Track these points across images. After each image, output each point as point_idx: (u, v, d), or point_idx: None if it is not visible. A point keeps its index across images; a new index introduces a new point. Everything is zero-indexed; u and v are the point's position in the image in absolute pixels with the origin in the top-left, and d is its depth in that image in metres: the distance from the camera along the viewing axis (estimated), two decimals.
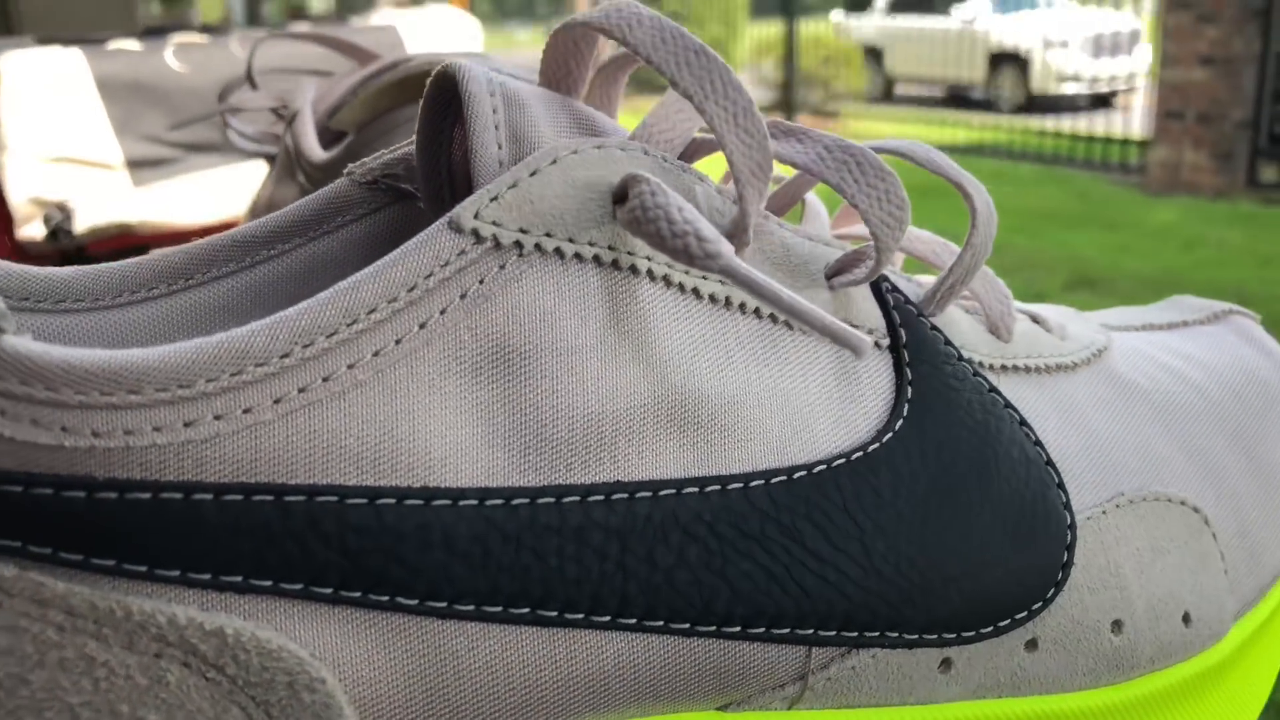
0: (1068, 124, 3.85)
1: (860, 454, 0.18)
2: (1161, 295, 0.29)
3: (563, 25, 0.18)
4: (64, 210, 0.55)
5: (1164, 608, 0.21)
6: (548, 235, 0.16)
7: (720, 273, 0.15)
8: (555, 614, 0.16)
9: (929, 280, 0.21)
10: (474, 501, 0.16)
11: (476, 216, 0.16)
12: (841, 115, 4.83)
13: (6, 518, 0.14)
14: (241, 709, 0.15)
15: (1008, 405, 0.20)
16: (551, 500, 0.16)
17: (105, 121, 0.57)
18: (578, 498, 0.16)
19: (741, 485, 0.17)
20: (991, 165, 3.57)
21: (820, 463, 0.18)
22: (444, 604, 0.16)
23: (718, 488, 0.17)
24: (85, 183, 0.57)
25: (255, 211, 0.38)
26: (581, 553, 0.16)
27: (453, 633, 0.16)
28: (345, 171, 0.20)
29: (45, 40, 0.62)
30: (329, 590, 0.15)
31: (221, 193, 0.57)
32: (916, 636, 0.18)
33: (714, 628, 0.17)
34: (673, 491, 0.17)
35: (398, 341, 0.15)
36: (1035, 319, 0.23)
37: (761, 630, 0.17)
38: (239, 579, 0.15)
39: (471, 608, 0.16)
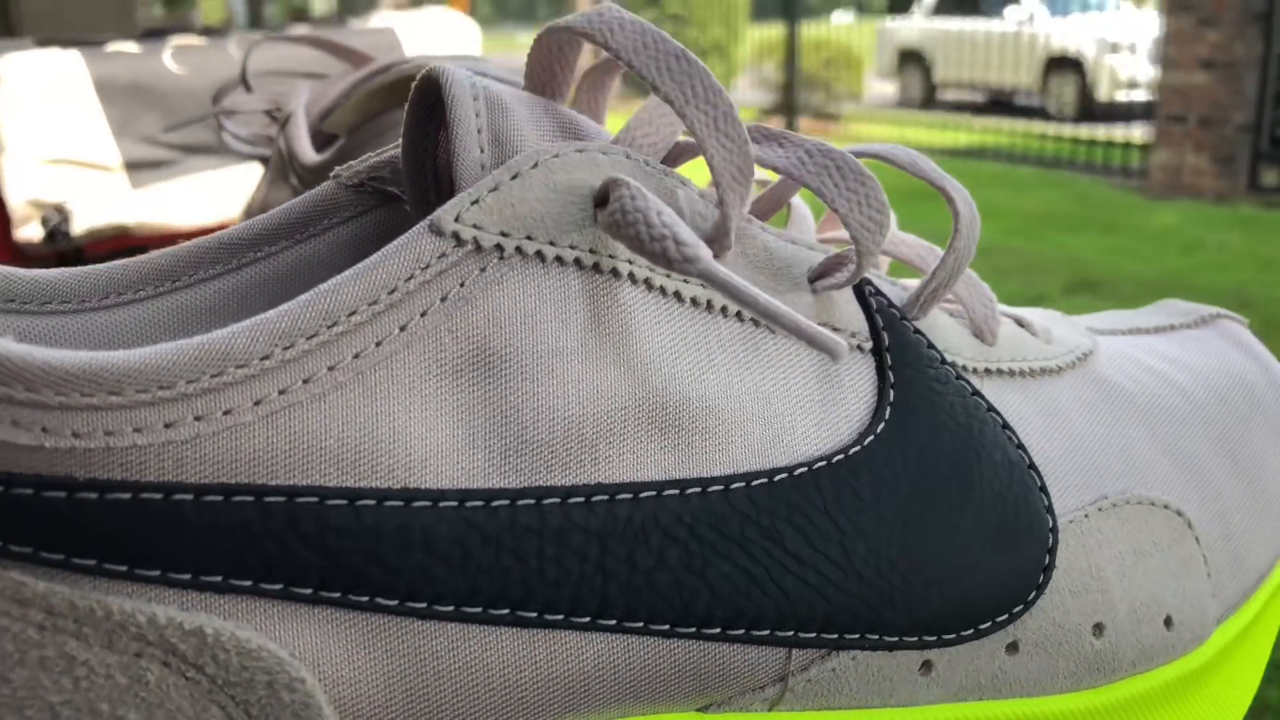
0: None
1: (841, 456, 0.18)
2: (1162, 298, 0.29)
3: (546, 29, 0.18)
4: (62, 212, 0.56)
5: (1146, 611, 0.21)
6: (529, 238, 0.16)
7: (698, 276, 0.15)
8: (535, 615, 0.16)
9: (913, 284, 0.21)
10: (454, 503, 0.16)
11: (457, 219, 0.16)
12: (843, 117, 4.83)
13: None
14: (221, 708, 0.15)
15: (990, 409, 0.20)
16: (532, 502, 0.16)
17: (103, 123, 0.57)
18: (558, 500, 0.17)
19: (722, 487, 0.17)
20: (992, 168, 3.57)
21: (801, 465, 0.18)
22: (424, 605, 0.16)
23: (698, 490, 0.17)
24: (83, 184, 0.57)
25: (250, 213, 0.38)
26: (561, 554, 0.16)
27: (432, 633, 0.16)
28: (332, 174, 0.20)
29: (44, 42, 0.62)
30: (309, 590, 0.15)
31: (219, 195, 0.57)
32: (897, 639, 0.19)
33: (694, 629, 0.17)
34: (653, 494, 0.17)
35: (378, 344, 0.16)
36: (1020, 322, 0.23)
37: (741, 632, 0.17)
38: (219, 579, 0.15)
39: (451, 608, 0.16)
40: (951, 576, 0.19)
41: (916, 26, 5.87)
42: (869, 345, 0.20)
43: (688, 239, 0.15)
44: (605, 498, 0.17)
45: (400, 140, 0.20)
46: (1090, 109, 4.97)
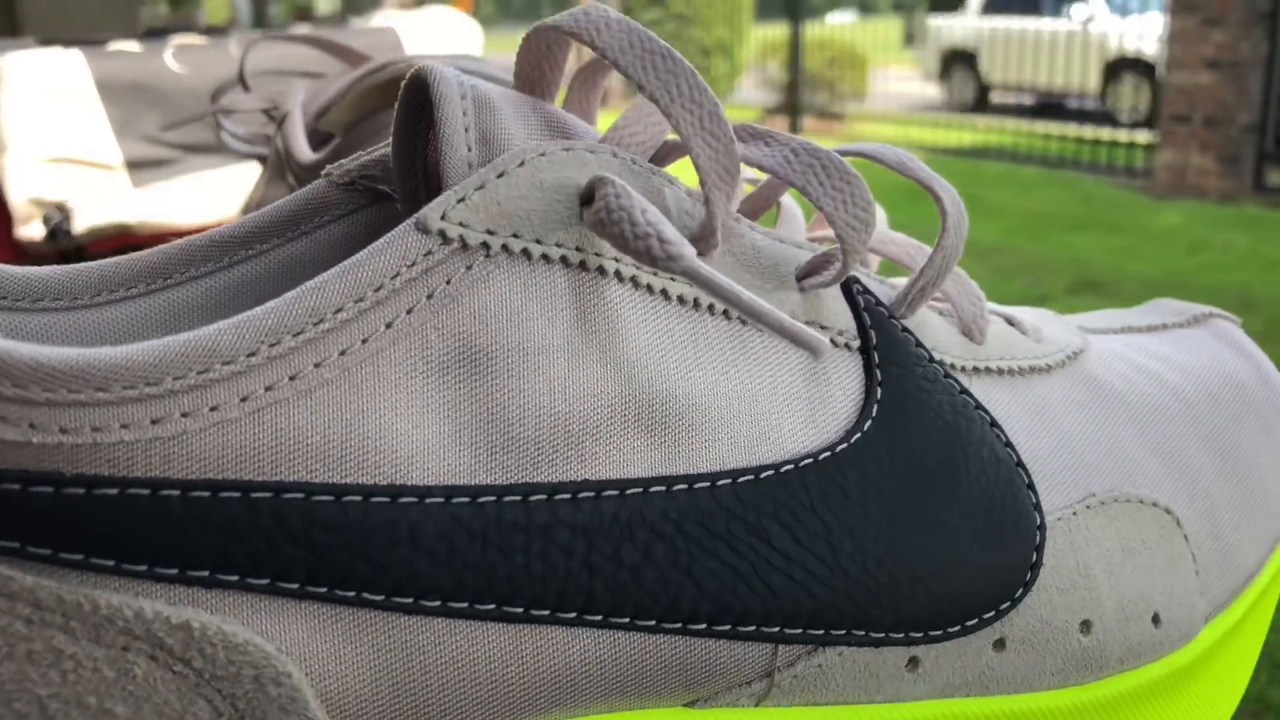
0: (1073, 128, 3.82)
1: (828, 454, 0.19)
2: (1167, 299, 0.29)
3: (534, 29, 0.18)
4: (63, 210, 0.56)
5: (1133, 609, 0.21)
6: (515, 236, 0.17)
7: (681, 274, 0.15)
8: (521, 610, 0.17)
9: (902, 283, 0.21)
10: (440, 499, 0.16)
11: (443, 217, 0.16)
12: (847, 117, 4.83)
13: None
14: (208, 701, 0.15)
15: (979, 407, 0.20)
16: (518, 498, 0.17)
17: (105, 122, 0.58)
18: (544, 496, 0.17)
19: (708, 485, 0.18)
20: (996, 168, 3.57)
21: (788, 462, 0.18)
22: (410, 600, 0.16)
23: (684, 487, 0.17)
24: (84, 183, 0.57)
25: (248, 212, 0.38)
26: (548, 550, 0.17)
27: (419, 628, 0.16)
28: (323, 173, 0.20)
29: (47, 41, 0.63)
30: (295, 585, 0.15)
31: (219, 193, 0.57)
32: (883, 635, 0.19)
33: (680, 625, 0.17)
34: (639, 490, 0.17)
35: (364, 341, 0.16)
36: (1010, 321, 0.23)
37: (727, 628, 0.18)
38: (206, 574, 0.15)
39: (438, 604, 0.16)
40: (938, 573, 0.19)
41: (967, 25, 5.47)
42: (857, 343, 0.20)
43: (671, 237, 0.15)
44: (592, 494, 0.17)
45: (390, 139, 0.20)
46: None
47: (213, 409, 0.15)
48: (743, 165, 0.19)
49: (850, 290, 0.20)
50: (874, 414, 0.19)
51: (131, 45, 0.61)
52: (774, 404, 0.18)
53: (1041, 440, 0.21)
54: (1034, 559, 0.20)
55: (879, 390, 0.19)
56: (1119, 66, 4.92)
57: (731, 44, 5.88)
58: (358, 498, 0.16)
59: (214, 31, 0.72)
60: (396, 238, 0.16)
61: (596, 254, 0.17)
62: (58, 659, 0.15)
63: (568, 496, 0.17)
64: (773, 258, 0.19)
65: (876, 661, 0.19)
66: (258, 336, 0.15)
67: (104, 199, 0.57)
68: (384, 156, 0.21)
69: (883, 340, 0.20)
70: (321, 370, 0.16)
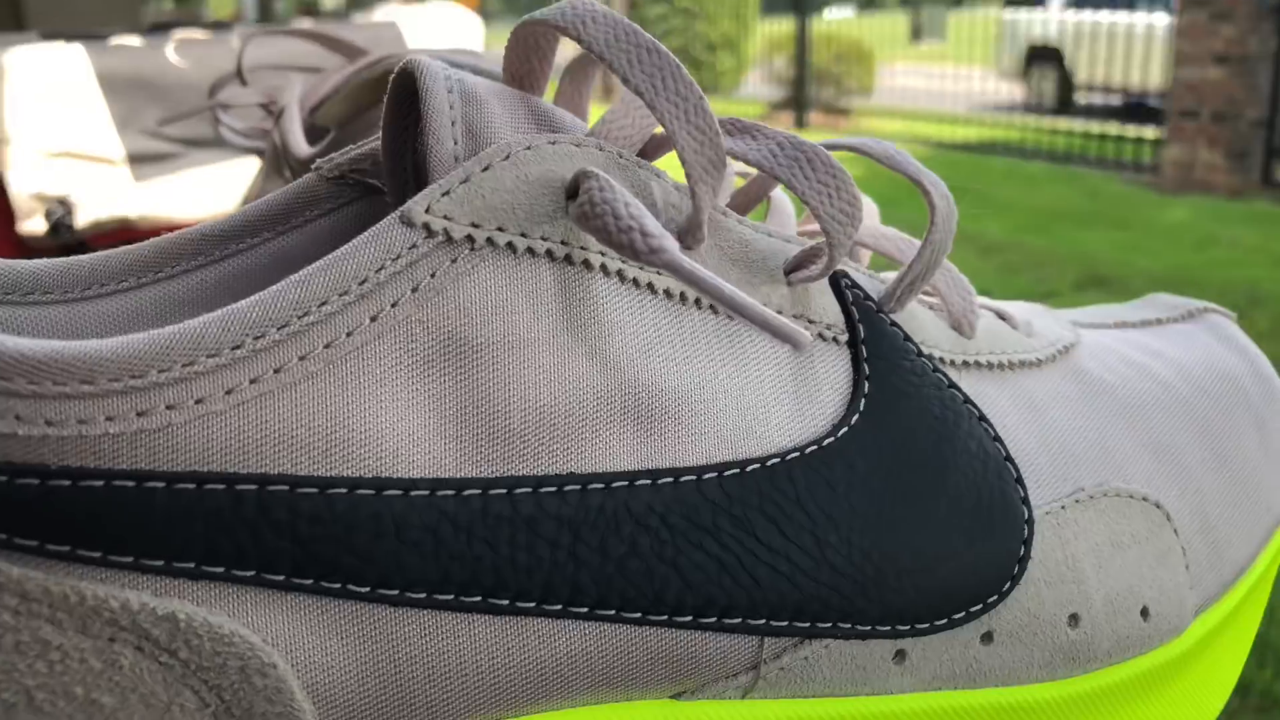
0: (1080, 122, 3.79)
1: (815, 447, 0.19)
2: (1173, 294, 0.29)
3: (522, 23, 0.18)
4: (65, 205, 0.56)
5: (1122, 602, 0.21)
6: (500, 230, 0.17)
7: (664, 267, 0.15)
8: (507, 602, 0.17)
9: (892, 277, 0.21)
10: (425, 492, 0.16)
11: (428, 211, 0.16)
12: (853, 112, 4.82)
13: None
14: (194, 692, 0.15)
15: (967, 401, 0.20)
16: (503, 491, 0.17)
17: (106, 117, 0.58)
18: (530, 489, 0.17)
19: (694, 477, 0.18)
20: (1003, 163, 3.56)
21: (774, 456, 0.18)
22: (396, 592, 0.16)
23: (670, 480, 0.17)
24: (86, 177, 0.57)
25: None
26: (533, 542, 0.17)
27: (405, 620, 0.16)
28: (313, 167, 0.21)
29: (49, 36, 0.63)
30: (281, 577, 0.16)
31: (220, 187, 0.57)
32: (870, 628, 0.19)
33: (665, 617, 0.17)
34: (625, 483, 0.17)
35: (349, 334, 0.16)
36: (1001, 315, 0.23)
37: (713, 620, 0.18)
38: (191, 565, 0.15)
39: (423, 596, 0.16)
40: (925, 567, 0.19)
41: (1052, 19, 4.98)
42: (845, 337, 0.20)
43: (654, 230, 0.15)
44: (577, 487, 0.17)
45: (380, 133, 0.20)
46: None
47: (198, 401, 0.15)
48: (731, 160, 0.19)
49: (839, 284, 0.20)
50: (861, 408, 0.19)
51: (133, 40, 0.62)
52: (761, 398, 0.18)
53: (1030, 434, 0.21)
54: (1022, 553, 0.20)
55: (867, 384, 0.19)
56: None
57: (737, 39, 5.87)
58: (343, 490, 0.16)
59: (218, 26, 0.72)
60: (381, 231, 0.16)
61: (582, 248, 0.17)
62: (45, 650, 0.15)
63: (553, 489, 0.17)
64: (761, 252, 0.19)
65: (863, 654, 0.19)
66: (242, 330, 0.15)
67: (106, 193, 0.57)
68: (374, 150, 0.21)
69: (871, 334, 0.20)
70: (306, 363, 0.16)
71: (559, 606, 0.17)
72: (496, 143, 0.17)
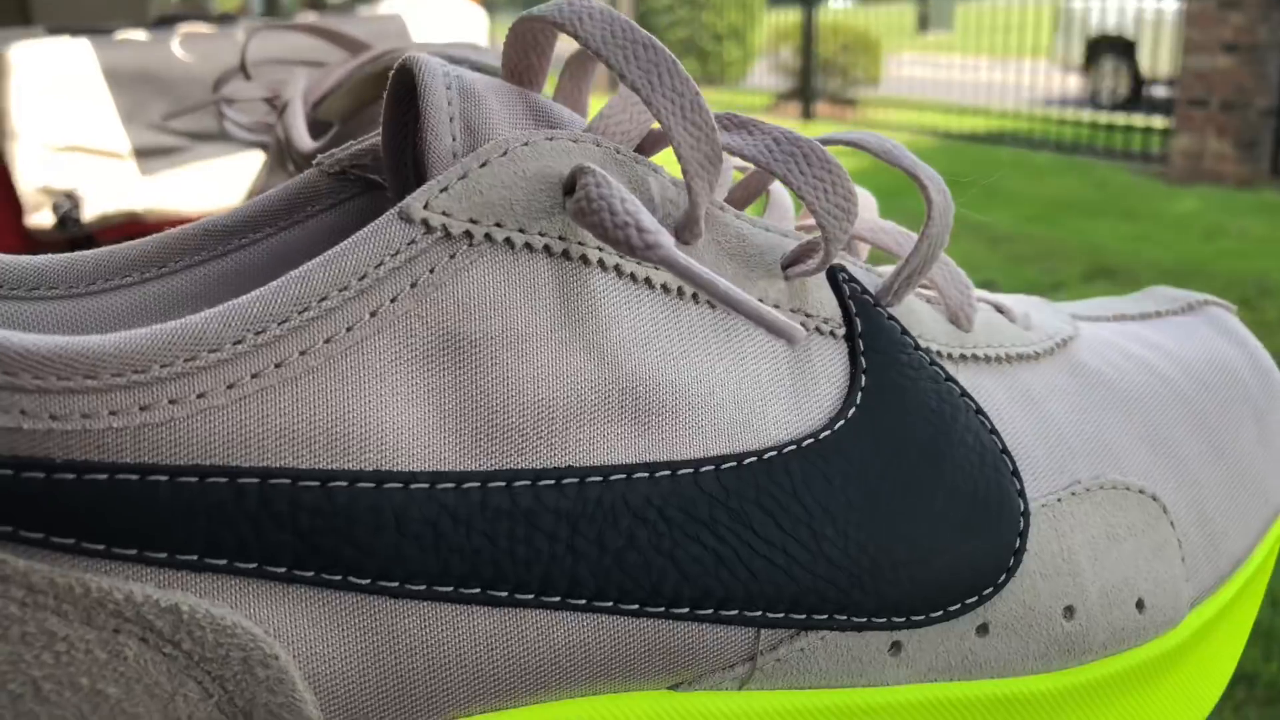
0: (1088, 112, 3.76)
1: (812, 441, 0.19)
2: (1182, 285, 0.29)
3: (520, 19, 0.18)
4: (73, 199, 0.56)
5: (1117, 594, 0.21)
6: (498, 225, 0.17)
7: (659, 263, 0.16)
8: (506, 594, 0.17)
9: (889, 270, 0.22)
10: (425, 485, 0.16)
11: (426, 207, 0.16)
12: (860, 103, 4.80)
13: None
14: (197, 683, 0.16)
15: (964, 394, 0.21)
16: (502, 484, 0.17)
17: (112, 111, 0.58)
18: (528, 482, 0.17)
19: (692, 471, 0.18)
20: (1010, 154, 3.55)
21: (771, 449, 0.18)
22: (396, 584, 0.16)
23: (667, 473, 0.18)
24: (93, 171, 0.57)
25: None
26: (532, 535, 0.17)
27: (405, 611, 0.16)
28: (314, 162, 0.21)
29: (55, 31, 0.63)
30: (283, 569, 0.16)
31: (226, 181, 0.57)
32: (866, 620, 0.19)
33: (663, 609, 0.18)
34: (623, 476, 0.17)
35: (349, 329, 0.16)
36: (999, 309, 0.23)
37: (710, 611, 0.18)
38: (194, 558, 0.15)
39: (423, 587, 0.16)
40: (921, 559, 0.19)
41: (1119, 7, 4.67)
42: (842, 331, 0.20)
43: (649, 226, 0.15)
44: (575, 480, 0.17)
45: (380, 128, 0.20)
46: None
47: (200, 396, 0.15)
48: (728, 155, 0.19)
49: (836, 278, 0.20)
50: (858, 401, 0.19)
51: (139, 34, 0.62)
52: (758, 391, 0.19)
53: (1027, 427, 0.21)
54: (1017, 545, 0.20)
55: (863, 378, 0.20)
56: None
57: (744, 29, 5.86)
58: (343, 483, 0.16)
59: (223, 20, 0.72)
60: (380, 227, 0.16)
61: (580, 243, 0.17)
62: (51, 641, 0.15)
63: (551, 482, 0.17)
64: (758, 246, 0.19)
65: (859, 645, 0.19)
66: (244, 325, 0.15)
67: (113, 187, 0.57)
68: (374, 146, 0.21)
69: (868, 328, 0.20)
70: (307, 358, 0.16)
71: (557, 598, 0.17)
72: (494, 139, 0.17)
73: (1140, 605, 0.21)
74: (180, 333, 0.15)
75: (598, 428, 0.17)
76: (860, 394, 0.19)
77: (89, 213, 0.56)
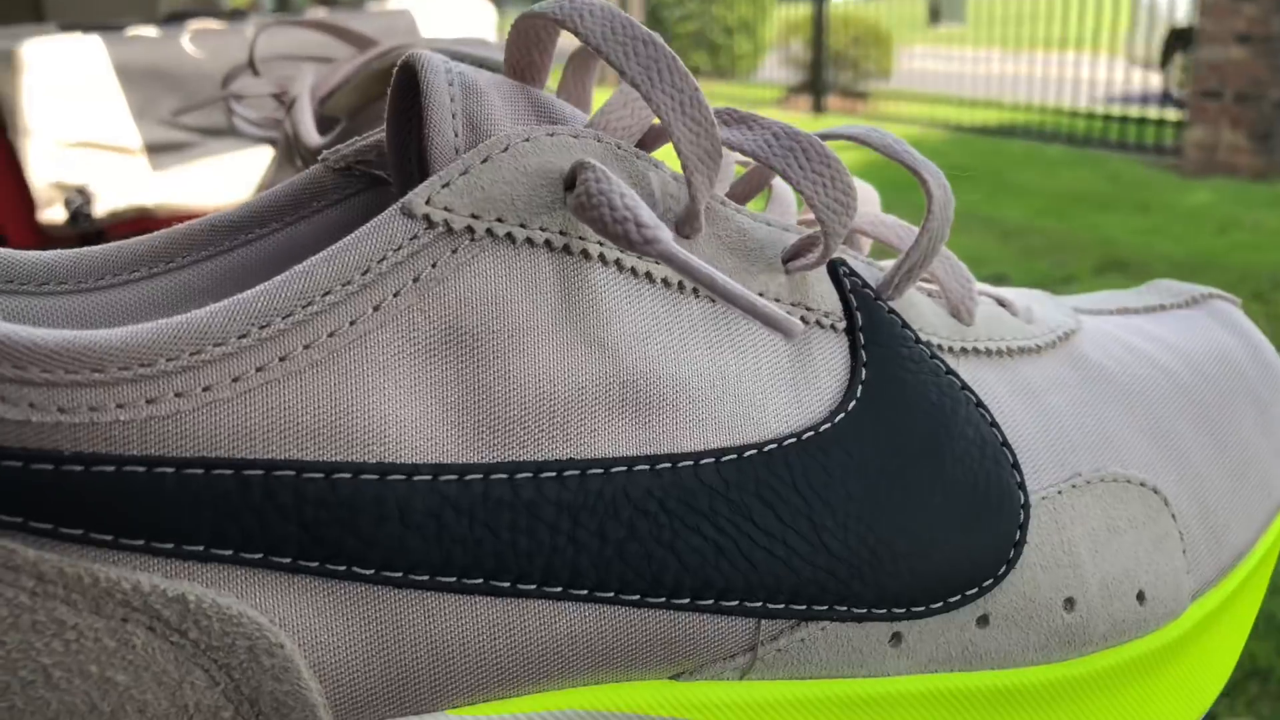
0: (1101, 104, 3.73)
1: (812, 434, 0.19)
2: (1195, 279, 0.29)
3: (522, 16, 0.19)
4: (84, 194, 0.57)
5: (1118, 586, 0.21)
6: (499, 220, 0.17)
7: (658, 257, 0.16)
8: (508, 585, 0.17)
9: (891, 265, 0.22)
10: (428, 477, 0.17)
11: (429, 202, 0.17)
12: (871, 95, 4.79)
13: None
14: (204, 671, 0.16)
15: (964, 387, 0.21)
16: (504, 476, 0.17)
17: (124, 107, 0.58)
18: (530, 474, 0.17)
19: (692, 463, 0.18)
20: (1022, 147, 3.53)
21: (771, 442, 0.19)
22: (399, 574, 0.17)
23: (668, 466, 0.18)
24: (105, 167, 0.58)
25: None
26: (534, 526, 0.17)
27: (408, 602, 0.17)
28: (320, 158, 0.21)
29: (67, 28, 0.64)
30: (287, 560, 0.16)
31: (236, 176, 0.58)
32: (866, 611, 0.19)
33: (664, 599, 0.18)
34: (624, 469, 0.18)
35: (352, 323, 0.16)
36: (1001, 302, 0.23)
37: (710, 602, 0.18)
38: (200, 548, 0.16)
39: (426, 578, 0.17)
40: (921, 551, 0.19)
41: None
42: (842, 325, 0.20)
43: (648, 221, 0.16)
44: (576, 472, 0.17)
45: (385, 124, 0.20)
46: None
47: (205, 389, 0.15)
48: (728, 150, 0.19)
49: (837, 272, 0.20)
50: (858, 394, 0.19)
51: (150, 30, 0.62)
52: (758, 384, 0.19)
53: (1028, 420, 0.21)
54: (1017, 537, 0.20)
55: (864, 371, 0.20)
56: None
57: (754, 22, 5.84)
58: (347, 475, 0.16)
59: (234, 15, 0.73)
60: (383, 222, 0.16)
61: (580, 238, 0.17)
62: (60, 629, 0.15)
63: (553, 474, 0.17)
64: (759, 241, 0.20)
65: (859, 636, 0.19)
66: (248, 319, 0.16)
67: (124, 182, 0.57)
68: (379, 142, 0.21)
69: (868, 321, 0.20)
70: (311, 351, 0.16)
71: (559, 589, 0.17)
72: (496, 135, 0.17)
73: (1141, 597, 0.21)
74: (185, 327, 0.15)
75: (599, 421, 0.17)
76: (861, 387, 0.20)
77: (100, 208, 0.57)
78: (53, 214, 0.57)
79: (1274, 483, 0.24)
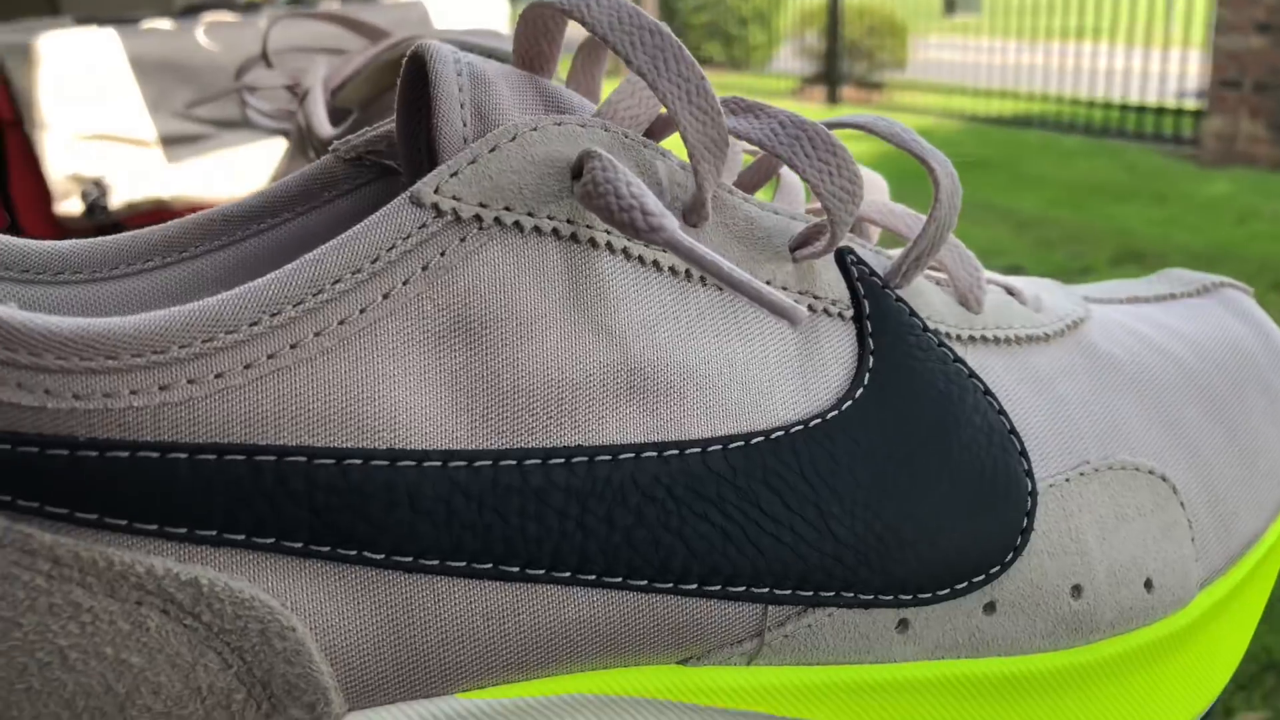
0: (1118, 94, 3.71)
1: (819, 421, 0.19)
2: (1213, 270, 0.29)
3: (529, 6, 0.19)
4: (100, 186, 0.57)
5: (1125, 573, 0.21)
6: (507, 209, 0.17)
7: (664, 245, 0.16)
8: (517, 570, 0.17)
9: (898, 253, 0.22)
10: (438, 463, 0.17)
11: (437, 191, 0.17)
12: (886, 86, 4.77)
13: None
14: (217, 654, 0.16)
15: (972, 375, 0.21)
16: (513, 462, 0.17)
17: (139, 100, 0.59)
18: (539, 460, 0.17)
19: (699, 450, 0.18)
20: (1038, 137, 3.51)
21: (778, 429, 0.19)
22: (410, 559, 0.17)
23: (676, 452, 0.18)
24: (121, 159, 0.58)
25: None
26: (542, 512, 0.17)
27: (418, 586, 0.17)
28: (330, 149, 0.21)
29: (83, 21, 0.64)
30: (299, 544, 0.16)
31: (250, 168, 0.58)
32: (872, 597, 0.19)
33: (671, 585, 0.18)
34: (632, 456, 0.18)
35: (362, 310, 0.16)
36: (1009, 291, 0.23)
37: (718, 588, 0.18)
38: (213, 533, 0.16)
39: (436, 563, 0.17)
40: (928, 538, 0.19)
41: None
42: (850, 313, 0.20)
43: (654, 209, 0.16)
44: (584, 459, 0.17)
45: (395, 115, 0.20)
46: None
47: (217, 376, 0.16)
48: (735, 139, 0.19)
49: (844, 261, 0.20)
50: (865, 382, 0.20)
51: (164, 23, 0.62)
52: (766, 372, 0.19)
53: (1035, 408, 0.21)
54: (1024, 524, 0.20)
55: (871, 359, 0.20)
56: None
57: (769, 13, 5.82)
58: (357, 461, 0.16)
59: (249, 8, 0.73)
60: (392, 211, 0.17)
61: (588, 226, 0.18)
62: (76, 612, 0.15)
63: (561, 461, 0.17)
64: (766, 229, 0.20)
65: (866, 622, 0.19)
66: (259, 306, 0.16)
67: (140, 174, 0.58)
68: (389, 132, 0.21)
69: (875, 310, 0.20)
70: (322, 339, 0.16)
71: (567, 574, 0.17)
72: (504, 124, 0.18)
73: (1149, 585, 0.21)
74: (198, 314, 0.16)
75: (607, 408, 0.18)
76: (868, 375, 0.20)
77: (116, 200, 0.57)
78: (69, 206, 0.57)
79: None
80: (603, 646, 0.18)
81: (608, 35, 0.17)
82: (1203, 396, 0.24)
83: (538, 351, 0.17)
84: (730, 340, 0.19)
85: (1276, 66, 3.00)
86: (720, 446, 0.18)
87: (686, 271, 0.18)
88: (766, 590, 0.18)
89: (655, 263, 0.18)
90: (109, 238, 0.20)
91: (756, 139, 0.18)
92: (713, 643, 0.19)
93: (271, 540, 0.16)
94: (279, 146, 0.59)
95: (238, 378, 0.16)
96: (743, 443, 0.18)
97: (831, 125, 0.20)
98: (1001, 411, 0.21)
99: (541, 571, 0.17)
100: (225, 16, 0.64)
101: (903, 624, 0.20)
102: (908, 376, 0.20)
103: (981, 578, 0.20)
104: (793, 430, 0.19)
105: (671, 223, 0.16)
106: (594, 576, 0.18)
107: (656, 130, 0.20)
